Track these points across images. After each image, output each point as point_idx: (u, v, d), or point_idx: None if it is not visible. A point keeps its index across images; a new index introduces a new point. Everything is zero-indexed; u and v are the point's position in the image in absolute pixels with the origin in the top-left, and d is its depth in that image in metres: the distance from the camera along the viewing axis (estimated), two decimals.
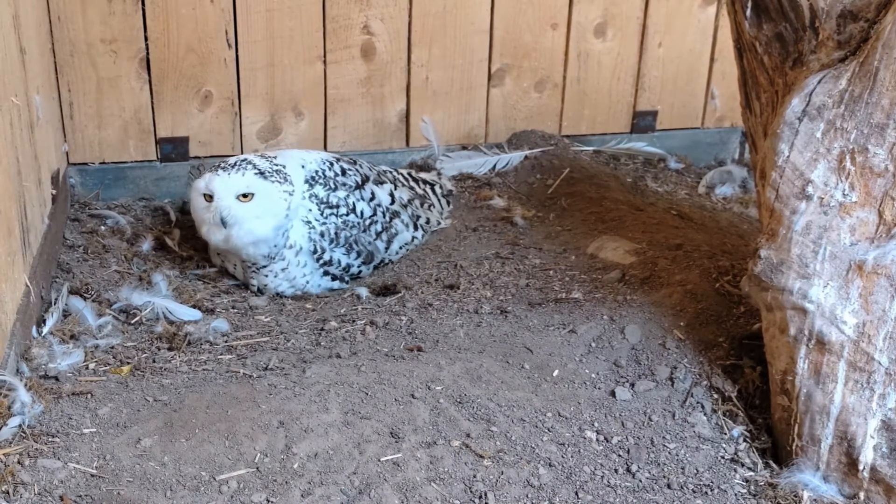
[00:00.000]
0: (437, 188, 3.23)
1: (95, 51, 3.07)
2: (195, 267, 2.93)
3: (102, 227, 3.04)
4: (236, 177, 2.66)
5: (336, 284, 2.87)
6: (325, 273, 2.83)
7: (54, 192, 2.82)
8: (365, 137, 3.43)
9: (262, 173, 2.67)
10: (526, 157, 3.46)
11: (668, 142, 3.71)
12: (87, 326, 2.49)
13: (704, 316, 2.42)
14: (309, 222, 2.78)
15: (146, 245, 2.96)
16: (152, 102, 3.18)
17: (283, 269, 2.79)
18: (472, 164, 3.46)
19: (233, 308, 2.74)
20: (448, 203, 3.26)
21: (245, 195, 2.66)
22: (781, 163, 2.03)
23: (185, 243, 2.99)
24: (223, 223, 2.67)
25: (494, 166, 3.46)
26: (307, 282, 2.82)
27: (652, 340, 2.38)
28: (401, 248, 3.00)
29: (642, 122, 3.69)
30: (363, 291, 2.80)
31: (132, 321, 2.57)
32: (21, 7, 2.54)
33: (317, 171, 2.83)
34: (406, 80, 3.41)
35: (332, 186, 2.82)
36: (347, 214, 2.83)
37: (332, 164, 2.88)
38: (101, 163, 3.21)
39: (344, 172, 2.88)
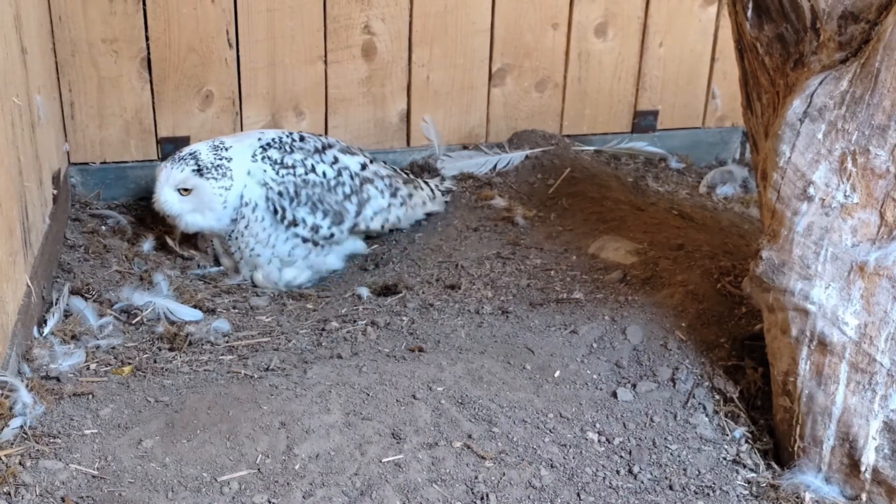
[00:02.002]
0: (432, 184, 3.25)
1: (96, 50, 3.07)
2: (196, 267, 2.93)
3: (103, 227, 3.04)
4: (175, 171, 2.82)
5: (310, 250, 2.91)
6: (296, 236, 2.88)
7: (55, 191, 2.82)
8: (366, 137, 3.43)
9: (199, 170, 2.80)
10: (527, 157, 3.45)
11: (669, 141, 3.71)
12: (89, 327, 2.49)
13: (706, 316, 2.42)
14: (265, 183, 2.86)
15: (147, 245, 2.96)
16: (153, 102, 3.18)
17: (246, 228, 2.86)
18: (472, 163, 3.46)
19: (234, 308, 2.74)
20: (443, 194, 3.27)
21: (185, 189, 2.81)
22: (783, 164, 2.03)
23: (185, 243, 2.99)
24: (165, 214, 2.86)
25: (495, 166, 3.45)
26: (269, 235, 2.87)
27: (653, 341, 2.38)
28: (376, 214, 3.03)
29: (643, 121, 3.69)
30: (364, 291, 2.80)
31: (133, 321, 2.57)
32: (22, 7, 2.54)
33: (273, 139, 2.94)
34: (407, 79, 3.41)
35: (288, 150, 2.91)
36: (307, 174, 2.90)
37: (290, 133, 2.99)
38: (102, 162, 3.21)
39: (302, 139, 2.98)
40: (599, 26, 3.50)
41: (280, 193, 2.85)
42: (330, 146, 3.01)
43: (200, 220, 2.87)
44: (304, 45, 3.25)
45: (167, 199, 2.84)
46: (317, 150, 2.96)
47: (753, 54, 2.20)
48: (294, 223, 2.87)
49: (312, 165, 2.92)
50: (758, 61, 2.19)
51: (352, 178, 2.98)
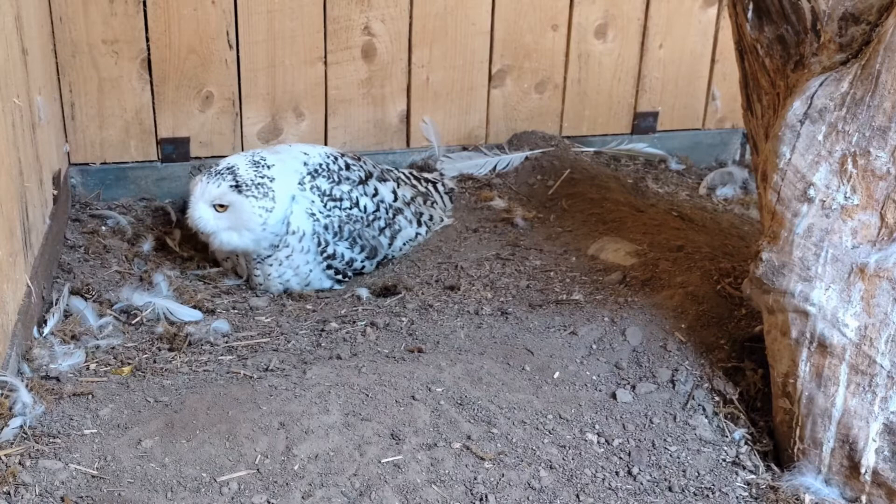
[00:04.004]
0: (439, 186, 3.24)
1: (97, 51, 3.07)
2: (196, 267, 2.93)
3: (103, 228, 3.04)
4: (212, 186, 2.69)
5: (337, 282, 2.88)
6: (329, 267, 2.83)
7: (56, 192, 2.82)
8: (366, 138, 3.43)
9: (237, 186, 2.68)
10: (527, 158, 3.46)
11: (669, 143, 3.71)
12: (88, 327, 2.49)
13: (706, 318, 2.42)
14: (313, 214, 2.78)
15: (147, 245, 2.96)
16: (153, 103, 3.18)
17: (287, 257, 2.78)
18: (472, 164, 3.46)
19: (233, 309, 2.74)
20: (451, 200, 3.26)
21: (221, 205, 2.70)
22: (783, 165, 2.03)
23: (185, 244, 2.99)
24: (199, 231, 2.76)
25: (495, 167, 3.46)
26: (310, 270, 2.81)
27: (653, 342, 2.38)
28: (404, 244, 3.00)
29: (643, 123, 3.69)
30: (364, 292, 2.80)
31: (133, 322, 2.57)
32: (23, 8, 2.54)
33: (321, 165, 2.84)
34: (407, 80, 3.41)
35: (336, 180, 2.83)
36: (351, 208, 2.83)
37: (336, 158, 2.89)
38: (102, 163, 3.21)
39: (348, 167, 2.89)
40: (599, 27, 3.50)
41: (325, 227, 2.77)
42: (370, 175, 2.94)
43: (236, 240, 2.74)
44: (304, 46, 3.25)
45: (202, 214, 2.72)
46: (361, 181, 2.88)
47: (754, 56, 2.20)
48: (332, 257, 2.80)
49: (357, 198, 2.84)
50: (758, 63, 2.20)
51: (387, 211, 2.93)
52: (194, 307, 2.66)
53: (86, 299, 2.59)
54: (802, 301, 2.04)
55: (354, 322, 2.58)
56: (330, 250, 2.79)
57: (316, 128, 3.36)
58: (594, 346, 2.39)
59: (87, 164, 3.21)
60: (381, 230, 2.90)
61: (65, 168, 3.10)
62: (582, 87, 3.58)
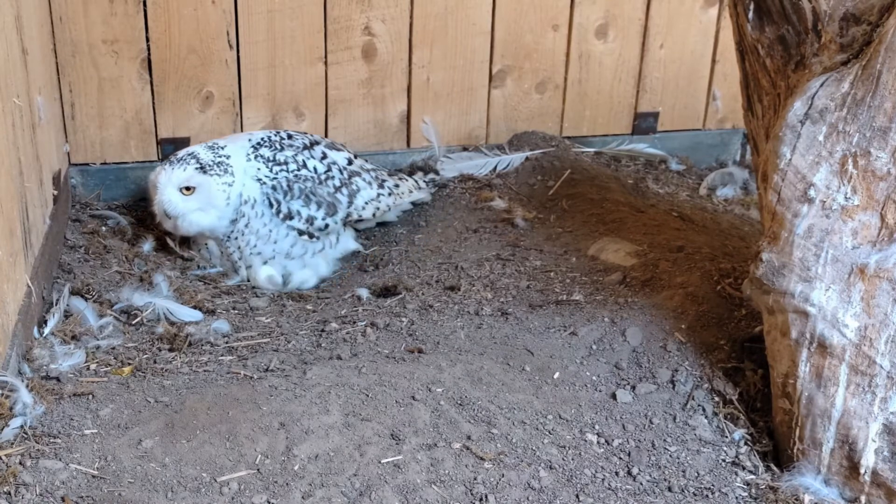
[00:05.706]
0: (415, 177, 3.33)
1: (97, 51, 3.07)
2: (196, 267, 2.93)
3: (103, 228, 3.04)
4: (178, 171, 2.84)
5: (308, 244, 2.96)
6: (292, 229, 2.93)
7: (56, 192, 2.82)
8: (366, 138, 3.43)
9: (202, 167, 2.84)
10: (527, 159, 3.45)
11: (670, 143, 3.71)
12: (89, 327, 2.49)
13: (706, 318, 2.42)
14: (259, 179, 2.91)
15: (147, 245, 2.96)
16: (153, 103, 3.19)
17: (246, 226, 2.90)
18: (472, 165, 3.46)
19: (233, 309, 2.74)
20: (427, 183, 3.34)
21: (188, 188, 2.84)
22: (783, 166, 2.03)
23: (185, 244, 2.99)
24: (167, 215, 2.86)
25: (495, 167, 3.45)
26: (270, 231, 2.91)
27: (653, 343, 2.38)
28: (367, 203, 3.09)
29: (643, 123, 3.69)
30: (364, 292, 2.80)
31: (133, 322, 2.57)
32: (23, 8, 2.54)
33: (262, 139, 3.01)
34: (407, 81, 3.41)
35: (278, 148, 2.98)
36: (299, 170, 2.96)
37: (278, 132, 3.06)
38: (102, 163, 3.21)
39: (290, 137, 3.05)
40: (600, 28, 3.50)
41: (273, 188, 2.91)
42: (317, 143, 3.07)
43: (203, 219, 2.88)
44: (304, 46, 3.25)
45: (170, 198, 2.84)
46: (305, 147, 3.02)
47: (754, 56, 2.20)
48: (289, 216, 2.92)
49: (304, 161, 2.98)
50: (759, 63, 2.20)
51: (340, 171, 3.05)
52: (194, 307, 2.66)
53: (86, 299, 2.59)
54: (802, 301, 2.05)
55: (354, 322, 2.58)
56: (285, 209, 2.91)
57: (316, 128, 3.36)
58: (594, 347, 2.39)
59: (87, 164, 3.21)
60: (338, 188, 3.01)
61: (65, 168, 3.10)
62: (582, 87, 3.57)
